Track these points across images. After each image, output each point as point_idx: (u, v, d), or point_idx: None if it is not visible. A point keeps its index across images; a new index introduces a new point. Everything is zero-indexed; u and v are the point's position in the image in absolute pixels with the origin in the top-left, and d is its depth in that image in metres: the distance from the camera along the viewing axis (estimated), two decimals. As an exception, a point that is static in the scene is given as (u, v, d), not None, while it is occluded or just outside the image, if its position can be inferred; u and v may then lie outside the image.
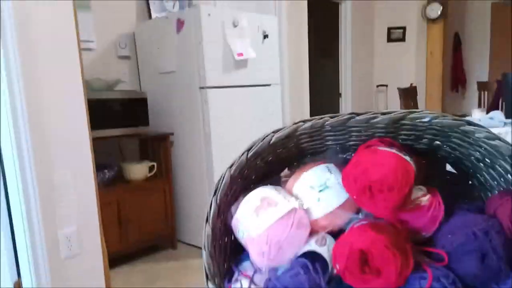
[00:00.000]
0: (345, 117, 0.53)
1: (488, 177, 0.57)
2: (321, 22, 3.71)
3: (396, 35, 4.03)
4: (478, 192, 0.62)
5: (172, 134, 2.61)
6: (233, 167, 0.56)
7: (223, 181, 0.56)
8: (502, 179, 0.54)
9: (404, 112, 0.51)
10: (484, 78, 4.46)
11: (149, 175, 2.57)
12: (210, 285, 0.54)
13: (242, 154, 0.56)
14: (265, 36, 2.60)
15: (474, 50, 4.48)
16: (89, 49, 2.56)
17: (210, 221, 0.56)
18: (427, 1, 3.77)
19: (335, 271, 0.51)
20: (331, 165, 0.58)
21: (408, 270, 0.46)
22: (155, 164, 2.56)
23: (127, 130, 2.45)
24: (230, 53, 2.41)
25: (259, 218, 0.54)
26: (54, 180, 1.67)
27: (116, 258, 2.38)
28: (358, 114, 0.52)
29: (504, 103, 2.73)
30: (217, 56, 2.37)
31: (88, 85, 2.30)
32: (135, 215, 2.47)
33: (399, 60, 4.06)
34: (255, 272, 0.55)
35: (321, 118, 0.53)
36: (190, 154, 2.59)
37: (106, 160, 2.51)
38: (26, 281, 1.65)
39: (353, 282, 0.47)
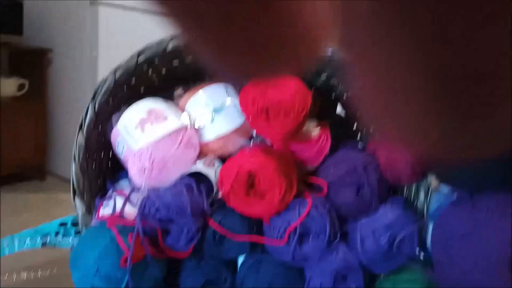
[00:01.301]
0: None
1: (373, 121, 0.60)
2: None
3: None
4: (361, 135, 0.65)
5: (51, 50, 2.28)
6: (119, 71, 0.49)
7: (105, 85, 0.49)
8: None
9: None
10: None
11: (18, 94, 2.24)
12: (78, 201, 0.48)
13: (132, 57, 0.49)
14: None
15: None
16: None
17: (85, 129, 0.49)
18: None
19: (219, 195, 0.50)
20: (230, 87, 0.55)
21: (290, 196, 0.46)
22: (26, 82, 2.23)
23: (-7, 36, 2.06)
24: (131, -30, 2.15)
25: (143, 131, 0.48)
26: None
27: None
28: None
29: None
30: (115, -30, 2.10)
31: None
32: (-4, 137, 2.14)
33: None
34: (132, 190, 0.50)
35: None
36: (72, 77, 2.31)
37: (-38, 68, 2.10)
38: None
39: (236, 204, 0.46)
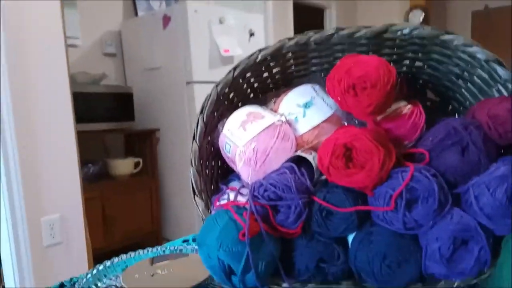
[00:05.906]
0: (329, 32, 0.54)
1: (467, 95, 0.59)
2: (306, 27, 3.78)
3: (379, 41, 4.12)
4: (459, 115, 0.63)
5: (158, 130, 2.60)
6: (220, 85, 0.57)
7: (210, 99, 0.57)
8: (480, 94, 0.56)
9: (386, 25, 0.53)
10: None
11: (134, 171, 2.54)
12: (197, 199, 0.54)
13: (229, 72, 0.57)
14: (251, 35, 2.64)
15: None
16: (74, 46, 2.55)
17: (197, 138, 0.56)
18: (409, 8, 3.88)
19: (320, 178, 0.52)
20: (316, 85, 0.59)
21: (390, 163, 0.47)
22: (140, 160, 2.54)
23: (112, 124, 2.43)
24: (217, 50, 2.44)
25: (245, 130, 0.54)
26: (38, 167, 1.64)
27: (99, 255, 2.32)
28: (342, 29, 0.54)
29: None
30: (203, 52, 2.39)
31: (72, 79, 2.28)
32: (119, 212, 2.42)
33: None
34: (242, 186, 0.55)
35: (305, 33, 0.55)
36: (177, 151, 2.57)
37: (90, 155, 2.48)
38: (7, 267, 1.60)
39: (337, 178, 0.47)
